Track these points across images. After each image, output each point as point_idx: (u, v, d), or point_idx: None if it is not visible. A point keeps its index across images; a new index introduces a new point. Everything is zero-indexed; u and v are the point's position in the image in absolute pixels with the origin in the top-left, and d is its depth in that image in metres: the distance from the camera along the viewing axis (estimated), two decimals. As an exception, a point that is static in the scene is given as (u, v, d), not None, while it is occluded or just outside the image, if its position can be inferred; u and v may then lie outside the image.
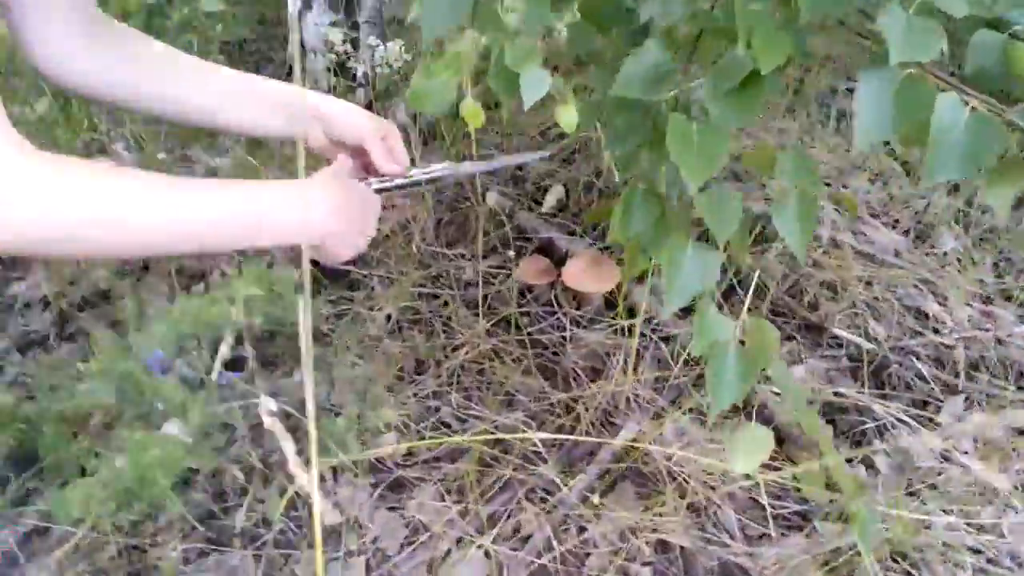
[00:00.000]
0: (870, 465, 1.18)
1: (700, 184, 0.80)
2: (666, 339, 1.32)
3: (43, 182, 0.73)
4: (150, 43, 1.00)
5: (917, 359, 1.31)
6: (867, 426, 1.22)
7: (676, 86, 0.86)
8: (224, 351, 0.83)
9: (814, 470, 0.88)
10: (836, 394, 1.26)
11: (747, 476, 1.14)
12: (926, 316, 1.39)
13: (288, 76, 2.17)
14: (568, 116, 0.89)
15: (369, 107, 1.99)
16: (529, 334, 1.38)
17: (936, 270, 1.46)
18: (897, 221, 1.59)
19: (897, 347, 1.33)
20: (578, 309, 1.41)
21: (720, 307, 1.40)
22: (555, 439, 1.17)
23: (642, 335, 1.32)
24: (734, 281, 1.40)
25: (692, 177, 0.80)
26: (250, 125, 1.08)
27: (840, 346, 1.34)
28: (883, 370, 1.30)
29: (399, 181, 1.05)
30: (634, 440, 1.19)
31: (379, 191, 1.04)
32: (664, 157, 1.01)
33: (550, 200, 1.73)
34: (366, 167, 1.07)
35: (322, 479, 1.19)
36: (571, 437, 1.13)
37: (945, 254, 1.53)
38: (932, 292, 1.41)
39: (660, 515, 1.13)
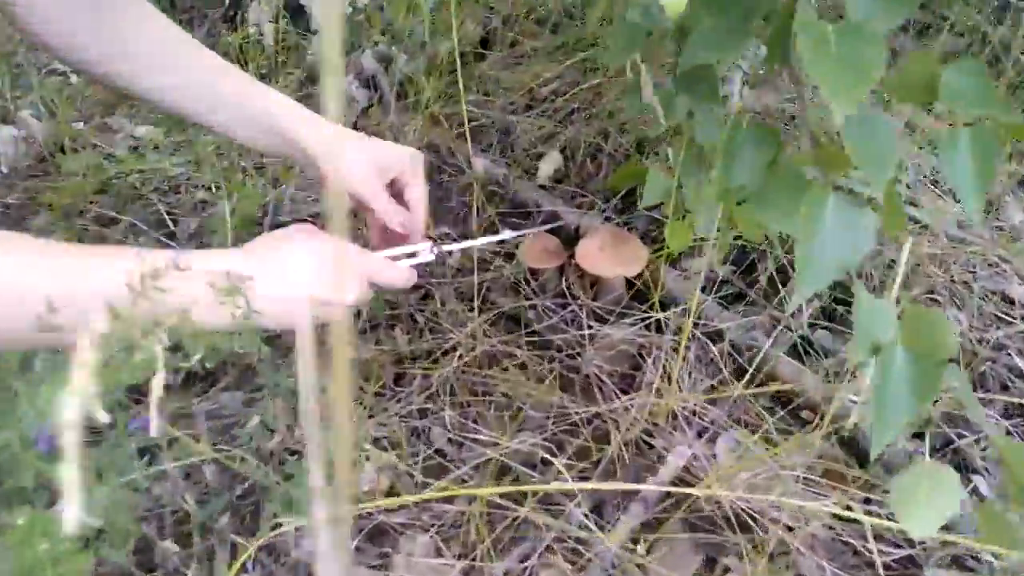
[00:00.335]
0: (975, 491, 0.95)
1: (850, 110, 0.54)
2: (713, 336, 1.06)
3: None
4: (159, 27, 0.88)
5: (1009, 353, 1.08)
6: (964, 440, 0.99)
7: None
8: (157, 391, 0.55)
9: (1000, 520, 0.63)
10: (922, 400, 1.01)
11: (838, 516, 0.89)
12: (1011, 301, 1.16)
13: (230, 28, 1.86)
14: None
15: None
16: (538, 333, 1.11)
17: (1008, 246, 1.23)
18: (951, 190, 1.36)
19: (983, 339, 1.09)
20: (595, 299, 1.14)
21: (743, 296, 1.16)
22: (595, 488, 0.90)
23: (681, 331, 1.06)
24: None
25: (838, 99, 0.53)
26: (244, 141, 0.97)
27: (918, 340, 1.09)
28: (972, 369, 1.07)
29: (423, 258, 0.93)
30: (686, 471, 0.93)
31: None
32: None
33: (546, 168, 1.45)
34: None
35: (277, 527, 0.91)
36: (616, 485, 0.87)
37: (1012, 228, 1.30)
38: (1016, 274, 1.18)
39: (727, 568, 0.88)
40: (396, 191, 0.95)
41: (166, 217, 1.50)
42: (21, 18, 0.81)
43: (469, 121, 1.60)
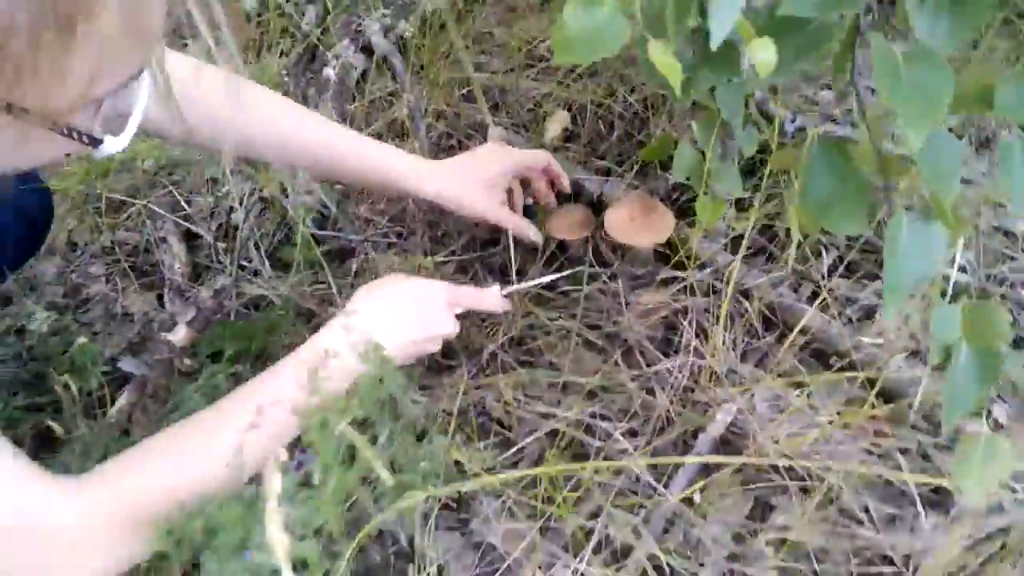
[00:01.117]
0: (995, 421, 1.05)
1: (924, 135, 0.59)
2: (741, 294, 1.13)
3: (111, 525, 0.74)
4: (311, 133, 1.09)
5: (1016, 288, 1.17)
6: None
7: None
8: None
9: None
10: (935, 339, 1.10)
11: (870, 452, 0.99)
12: (1014, 236, 1.24)
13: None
14: (767, 54, 0.65)
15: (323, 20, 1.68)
16: (575, 301, 1.16)
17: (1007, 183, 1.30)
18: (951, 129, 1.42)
19: (990, 275, 1.18)
20: (625, 265, 1.20)
21: (764, 249, 1.23)
22: (661, 462, 0.98)
23: (714, 290, 1.13)
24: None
25: (914, 127, 0.59)
26: (342, 181, 1.28)
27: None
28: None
29: (525, 285, 1.11)
30: (732, 425, 1.01)
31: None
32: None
33: (553, 128, 1.48)
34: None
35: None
36: (687, 459, 0.95)
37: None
38: (1014, 208, 1.25)
39: (774, 506, 0.97)
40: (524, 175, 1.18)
41: (179, 199, 1.51)
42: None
43: (468, 83, 1.61)
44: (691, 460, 0.94)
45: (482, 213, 1.11)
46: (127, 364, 1.12)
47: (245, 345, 1.14)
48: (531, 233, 1.15)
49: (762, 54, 0.63)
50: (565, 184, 1.21)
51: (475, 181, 1.10)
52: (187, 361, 1.10)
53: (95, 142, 0.58)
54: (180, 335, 1.11)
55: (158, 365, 1.09)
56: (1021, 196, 0.67)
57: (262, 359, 1.14)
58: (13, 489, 0.68)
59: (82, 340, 1.08)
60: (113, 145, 0.59)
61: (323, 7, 1.70)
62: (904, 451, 0.97)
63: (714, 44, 0.61)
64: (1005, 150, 0.66)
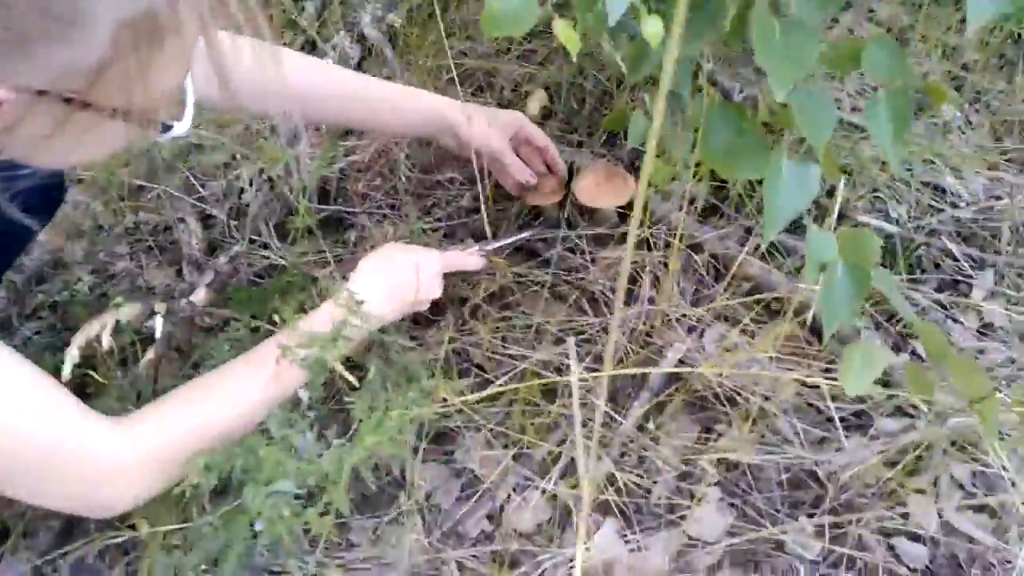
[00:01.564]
0: (913, 352, 1.18)
1: (786, 89, 0.72)
2: (694, 248, 1.27)
3: (151, 457, 0.88)
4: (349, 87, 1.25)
5: (940, 237, 1.29)
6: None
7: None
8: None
9: (922, 375, 0.84)
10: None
11: (801, 383, 1.12)
12: (943, 191, 1.36)
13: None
14: (655, 27, 0.78)
15: (321, 14, 1.81)
16: (547, 260, 1.30)
17: (942, 142, 1.43)
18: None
19: (920, 227, 1.31)
20: (592, 225, 1.34)
21: (716, 208, 1.36)
22: (613, 373, 1.12)
23: (667, 245, 1.26)
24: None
25: (777, 82, 0.72)
26: (396, 132, 1.44)
27: (865, 234, 1.30)
28: (910, 253, 1.28)
29: (500, 243, 1.29)
30: (681, 361, 1.15)
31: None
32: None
33: (532, 106, 1.62)
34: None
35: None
36: (628, 371, 1.09)
37: (946, 123, 1.50)
38: (947, 166, 1.38)
39: (719, 434, 1.11)
40: (521, 143, 1.31)
41: (195, 182, 1.65)
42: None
43: (454, 68, 1.74)
44: (650, 370, 1.09)
45: (490, 145, 1.25)
46: (153, 322, 1.26)
47: (259, 308, 1.28)
48: (526, 174, 1.29)
49: (650, 28, 0.77)
50: (561, 170, 1.34)
51: (489, 121, 1.26)
52: (207, 319, 1.25)
53: (166, 128, 0.68)
54: (200, 296, 1.26)
55: (181, 322, 1.24)
56: (891, 145, 0.79)
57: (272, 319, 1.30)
58: (74, 428, 0.82)
59: (117, 300, 1.22)
60: (179, 129, 0.69)
61: (320, 2, 1.84)
62: (832, 379, 1.11)
63: (611, 22, 0.74)
64: (871, 107, 0.79)
